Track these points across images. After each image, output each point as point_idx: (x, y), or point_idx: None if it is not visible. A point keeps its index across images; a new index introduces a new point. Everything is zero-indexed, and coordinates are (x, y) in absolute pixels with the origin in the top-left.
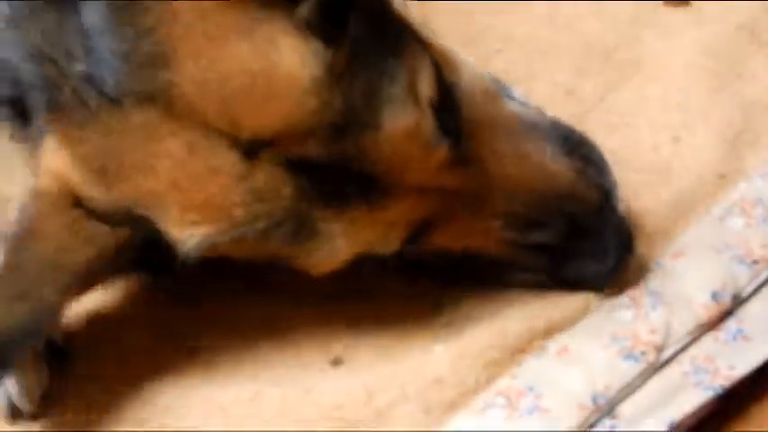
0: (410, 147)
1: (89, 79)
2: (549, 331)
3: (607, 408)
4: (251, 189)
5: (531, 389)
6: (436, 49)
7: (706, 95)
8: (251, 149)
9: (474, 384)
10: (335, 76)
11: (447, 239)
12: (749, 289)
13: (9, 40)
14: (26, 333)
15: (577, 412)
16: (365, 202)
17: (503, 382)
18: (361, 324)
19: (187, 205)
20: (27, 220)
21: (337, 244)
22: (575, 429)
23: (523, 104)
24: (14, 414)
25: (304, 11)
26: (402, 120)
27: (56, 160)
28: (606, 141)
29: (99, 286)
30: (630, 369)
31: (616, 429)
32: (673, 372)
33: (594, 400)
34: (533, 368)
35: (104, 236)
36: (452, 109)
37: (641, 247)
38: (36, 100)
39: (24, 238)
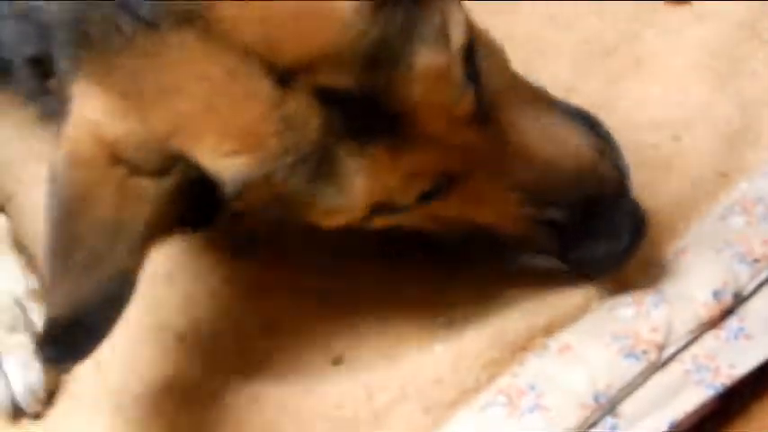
0: (438, 90)
1: (123, 5)
2: (550, 329)
3: (608, 406)
4: (284, 118)
5: (532, 387)
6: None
7: (706, 94)
8: (285, 76)
9: (474, 383)
10: (376, 6)
11: (463, 206)
12: (750, 287)
13: None
14: (110, 302)
15: (579, 411)
16: (389, 144)
17: (503, 381)
18: (362, 323)
19: (223, 133)
20: (69, 187)
21: (357, 186)
22: (576, 428)
23: None
24: (16, 413)
25: None
26: (434, 60)
27: (87, 104)
28: None
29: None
30: (632, 368)
31: (617, 428)
32: (674, 370)
33: (596, 398)
34: (534, 367)
35: (153, 190)
36: (476, 64)
37: (644, 246)
38: (63, 41)
39: (73, 207)
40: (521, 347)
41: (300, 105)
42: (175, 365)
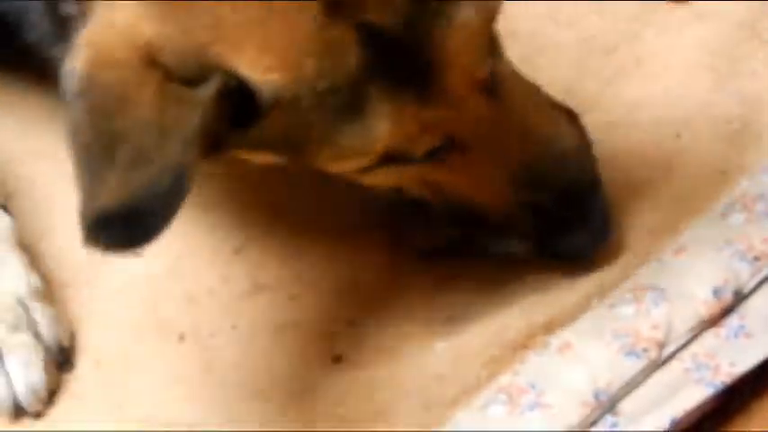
0: (468, 49)
1: None
2: (549, 327)
3: (609, 404)
4: (325, 44)
5: (532, 386)
6: None
7: (707, 93)
8: (335, 5)
9: (475, 381)
10: None
11: (459, 173)
12: (751, 285)
13: None
14: (165, 195)
15: (579, 409)
16: (417, 92)
17: (504, 379)
18: (362, 321)
19: (265, 47)
20: (102, 88)
21: (380, 128)
22: (576, 426)
23: None
24: (18, 412)
25: None
26: (471, 19)
27: (117, 9)
28: (607, 138)
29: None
30: (632, 366)
31: (618, 426)
32: (674, 368)
33: (596, 396)
34: (535, 365)
35: (194, 97)
36: (497, 38)
37: (643, 244)
38: None
39: (109, 107)
40: (521, 345)
41: (343, 36)
42: (175, 364)
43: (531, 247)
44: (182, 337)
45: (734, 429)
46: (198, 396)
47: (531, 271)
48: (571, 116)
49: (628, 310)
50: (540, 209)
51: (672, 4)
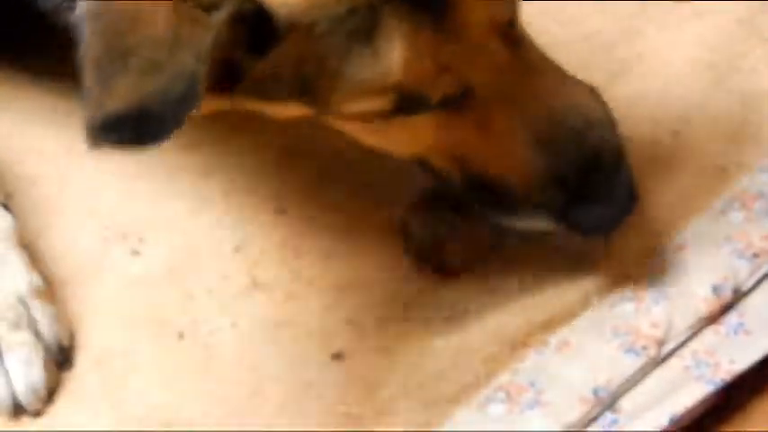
0: None
1: None
2: (549, 324)
3: (609, 402)
4: None
5: (532, 384)
6: None
7: (706, 89)
8: None
9: (474, 379)
10: None
11: (474, 131)
12: (750, 282)
13: None
14: (177, 102)
15: (579, 406)
16: (434, 23)
17: (504, 378)
18: (362, 319)
19: None
20: (115, 11)
21: (394, 55)
22: (576, 423)
23: None
24: (17, 411)
25: None
26: None
27: None
28: None
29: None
30: (632, 363)
31: (617, 423)
32: (674, 366)
33: (596, 393)
34: (535, 363)
35: (207, 20)
36: None
37: (644, 241)
38: None
39: (123, 26)
40: (521, 343)
41: None
42: (175, 362)
43: (554, 220)
44: (181, 335)
45: (733, 426)
46: (197, 394)
47: (531, 269)
48: (594, 92)
49: (627, 307)
50: (562, 179)
51: (672, 2)
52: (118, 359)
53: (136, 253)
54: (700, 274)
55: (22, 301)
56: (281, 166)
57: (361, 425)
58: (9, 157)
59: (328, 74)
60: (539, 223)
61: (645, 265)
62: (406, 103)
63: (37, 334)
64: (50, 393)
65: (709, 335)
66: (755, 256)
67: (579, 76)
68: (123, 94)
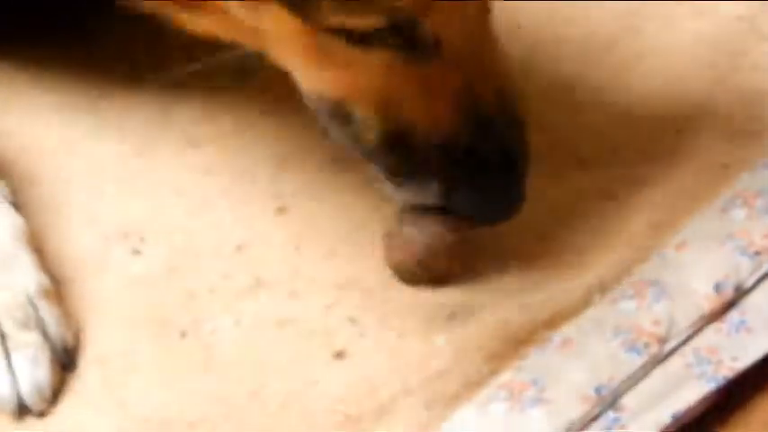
0: None
1: None
2: (551, 323)
3: (610, 400)
4: None
5: (534, 382)
6: None
7: (708, 87)
8: None
9: (477, 377)
10: None
11: (422, 94)
12: (751, 280)
13: None
14: None
15: (581, 404)
16: None
17: (506, 376)
18: (364, 318)
19: None
20: None
21: None
22: (578, 421)
23: None
24: (21, 411)
25: None
26: None
27: None
28: (608, 132)
29: None
30: (633, 361)
31: (619, 421)
32: (676, 363)
33: (598, 392)
34: (537, 361)
35: None
36: None
37: (644, 238)
38: None
39: None
40: (523, 341)
41: None
42: (177, 361)
43: (441, 196)
44: (183, 334)
45: (735, 424)
46: (199, 393)
47: (532, 267)
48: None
49: (629, 305)
50: (468, 157)
51: (673, 1)
52: (119, 358)
53: (137, 252)
54: (701, 272)
55: (30, 301)
56: (282, 165)
57: (362, 423)
58: (9, 155)
59: None
60: (424, 197)
61: (647, 263)
62: (392, 29)
63: (45, 334)
64: (54, 394)
65: (710, 332)
66: (757, 253)
67: (580, 75)
68: None
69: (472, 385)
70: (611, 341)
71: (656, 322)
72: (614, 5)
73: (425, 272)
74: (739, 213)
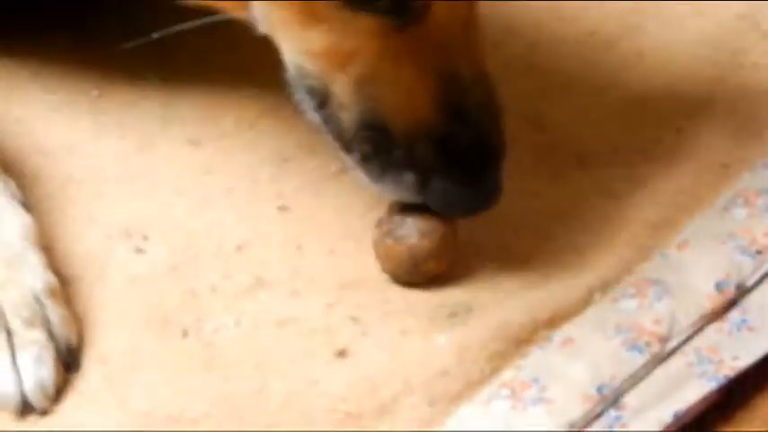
0: None
1: None
2: (553, 322)
3: (612, 398)
4: None
5: (535, 380)
6: None
7: (708, 86)
8: None
9: (479, 376)
10: None
11: (405, 66)
12: (753, 279)
13: None
14: None
15: (582, 403)
16: None
17: (507, 375)
18: (365, 317)
19: None
20: None
21: None
22: (579, 420)
23: None
24: (25, 409)
25: None
26: None
27: None
28: (609, 132)
29: None
30: (635, 360)
31: (621, 420)
32: (677, 362)
33: (600, 390)
34: (538, 360)
35: None
36: None
37: (645, 237)
38: None
39: None
40: (524, 340)
41: None
42: (179, 360)
43: (416, 188)
44: (185, 334)
45: (735, 424)
46: (201, 391)
47: (533, 267)
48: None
49: (630, 304)
50: (443, 145)
51: None
52: (121, 357)
53: (140, 251)
54: (703, 271)
55: (37, 300)
56: (283, 164)
57: (363, 422)
58: (12, 155)
59: None
60: (399, 189)
61: (648, 262)
62: None
63: (49, 333)
64: (57, 393)
65: (712, 331)
66: (759, 252)
67: (581, 73)
68: None
69: (474, 384)
70: (612, 340)
71: (658, 321)
72: (615, 4)
73: (416, 275)
74: (740, 212)
